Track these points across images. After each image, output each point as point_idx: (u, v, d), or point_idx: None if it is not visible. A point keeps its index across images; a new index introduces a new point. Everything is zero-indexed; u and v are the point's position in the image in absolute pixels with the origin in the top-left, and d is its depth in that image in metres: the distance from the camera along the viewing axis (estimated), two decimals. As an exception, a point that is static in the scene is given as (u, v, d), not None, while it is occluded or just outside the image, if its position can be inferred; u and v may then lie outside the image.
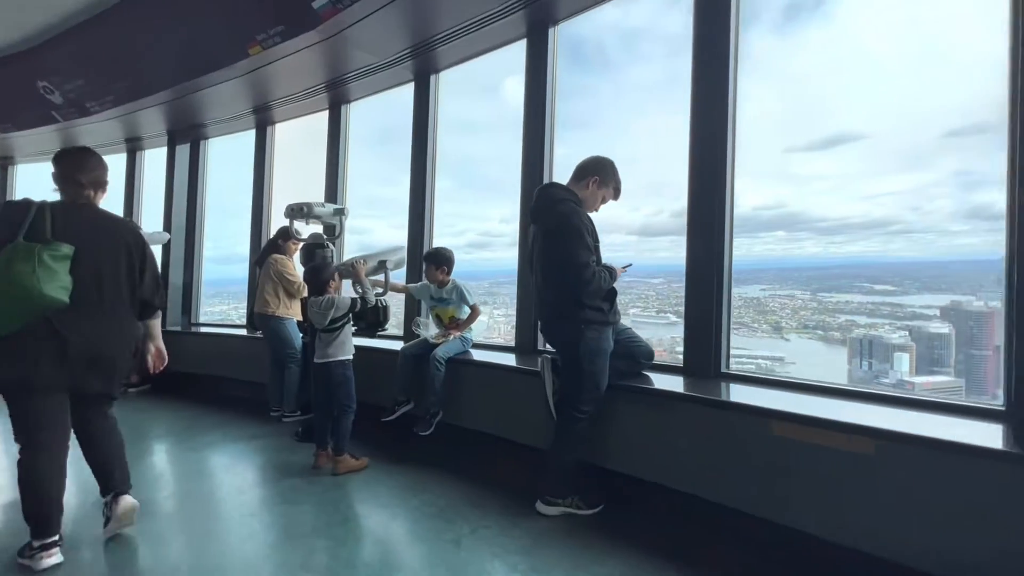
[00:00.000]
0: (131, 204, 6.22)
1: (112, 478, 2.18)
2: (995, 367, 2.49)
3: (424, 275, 3.47)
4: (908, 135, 2.16)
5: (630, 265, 2.45)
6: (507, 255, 2.88)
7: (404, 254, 3.37)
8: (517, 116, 3.45)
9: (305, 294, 4.07)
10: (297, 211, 3.44)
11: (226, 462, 3.23)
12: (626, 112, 3.62)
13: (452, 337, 3.27)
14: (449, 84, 4.05)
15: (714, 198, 2.56)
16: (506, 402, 3.01)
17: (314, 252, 3.58)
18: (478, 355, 3.35)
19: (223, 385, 4.85)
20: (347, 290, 3.22)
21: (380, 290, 3.30)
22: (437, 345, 3.28)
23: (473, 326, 3.42)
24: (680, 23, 2.75)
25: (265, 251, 4.18)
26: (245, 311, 5.25)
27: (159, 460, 3.33)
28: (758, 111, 2.52)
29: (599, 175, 2.40)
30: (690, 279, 2.65)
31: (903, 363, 2.68)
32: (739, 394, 2.38)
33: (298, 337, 4.10)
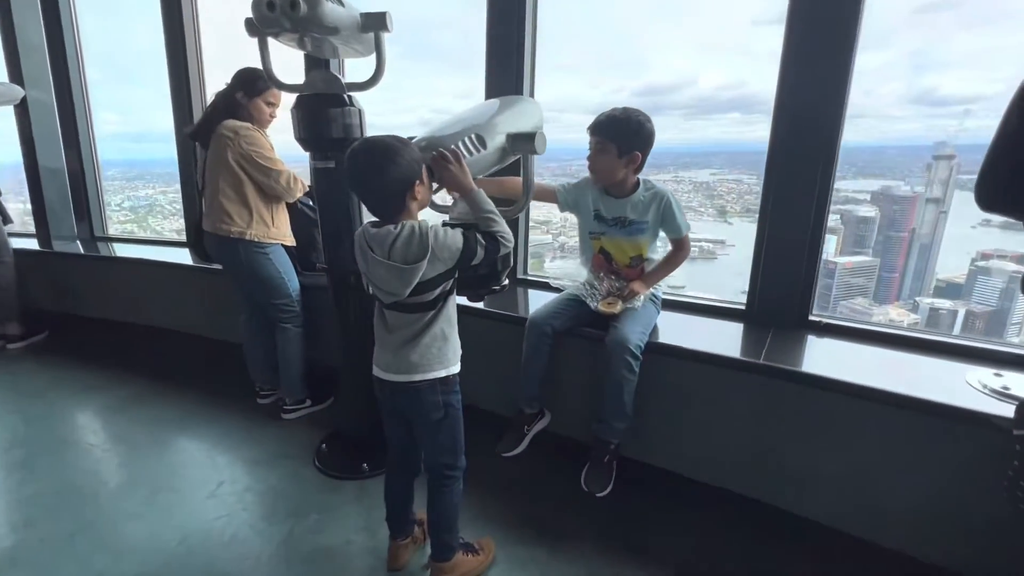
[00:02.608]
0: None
1: None
2: (907, 247, 3.28)
3: (590, 167, 1.67)
4: (877, 7, 1.55)
5: None
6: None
7: (541, 115, 1.52)
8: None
9: (301, 193, 2.20)
10: (282, 11, 1.44)
11: (196, 563, 1.63)
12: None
13: (639, 302, 1.61)
14: None
15: None
16: (760, 434, 1.50)
17: (326, 115, 1.68)
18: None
19: (168, 340, 3.07)
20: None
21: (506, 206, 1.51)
22: (606, 315, 1.64)
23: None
24: None
25: (210, 117, 2.15)
26: (184, 222, 3.27)
27: (39, 536, 1.69)
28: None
29: None
30: None
31: (830, 244, 2.68)
32: None
33: (292, 276, 2.31)
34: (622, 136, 1.56)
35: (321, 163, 1.77)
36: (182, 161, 3.12)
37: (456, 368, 1.33)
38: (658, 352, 1.61)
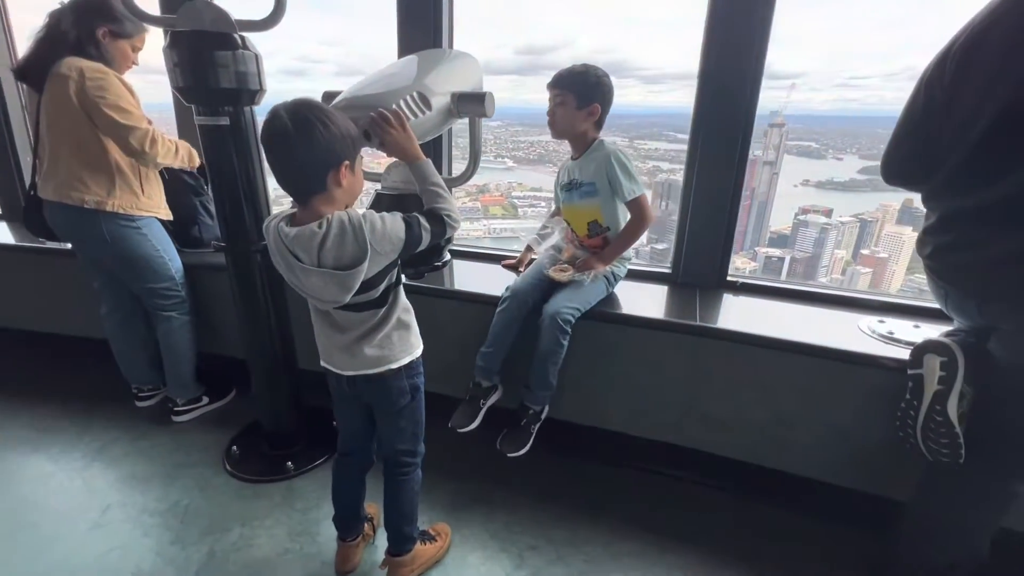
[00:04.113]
0: None
1: None
2: (749, 204, 3.86)
3: (549, 123, 1.60)
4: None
5: None
6: (332, 84, 1.59)
7: (481, 72, 1.38)
8: None
9: (168, 158, 1.80)
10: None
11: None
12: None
13: (590, 276, 1.61)
14: None
15: None
16: (693, 388, 1.62)
17: (213, 60, 1.37)
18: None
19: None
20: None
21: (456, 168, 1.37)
22: (556, 284, 1.62)
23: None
24: None
25: (46, 51, 1.62)
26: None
27: None
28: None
29: None
30: None
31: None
32: None
33: (173, 254, 1.94)
34: (580, 87, 1.51)
35: (209, 119, 1.46)
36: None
37: (419, 350, 1.23)
38: (599, 319, 1.63)
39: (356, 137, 1.05)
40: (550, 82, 1.55)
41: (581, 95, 1.51)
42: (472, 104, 1.24)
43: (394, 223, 1.04)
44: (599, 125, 1.58)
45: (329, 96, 1.35)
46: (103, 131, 1.63)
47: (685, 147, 1.76)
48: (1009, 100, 0.97)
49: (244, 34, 1.43)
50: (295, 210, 1.07)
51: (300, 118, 0.96)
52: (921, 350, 1.21)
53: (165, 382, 2.14)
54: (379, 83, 1.25)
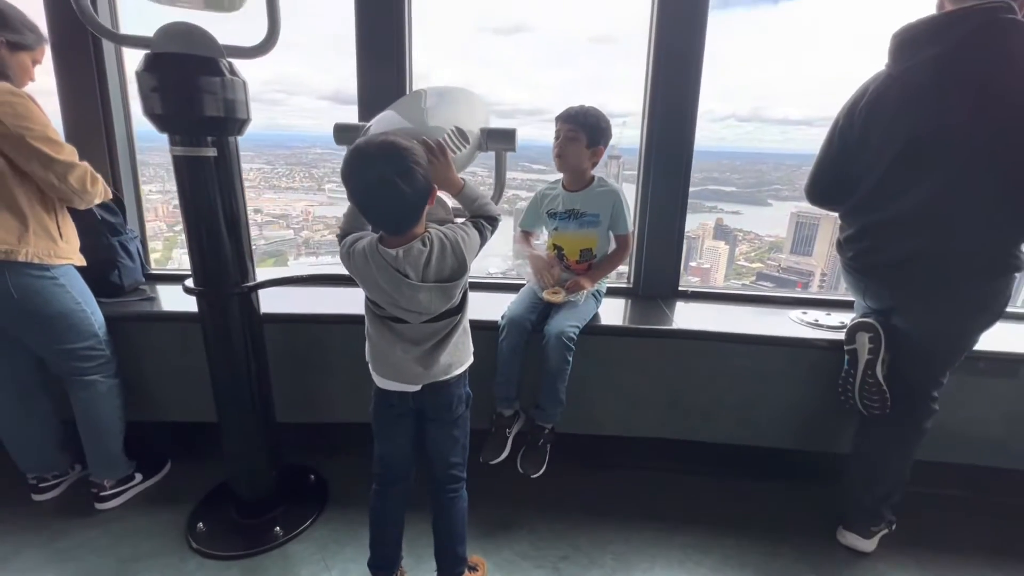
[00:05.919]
0: None
1: None
2: None
3: (557, 154, 1.71)
4: (565, 34, 2.67)
5: None
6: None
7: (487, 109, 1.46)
8: None
9: (101, 198, 1.55)
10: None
11: None
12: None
13: (582, 295, 1.74)
14: None
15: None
16: (673, 385, 1.85)
17: (199, 85, 1.25)
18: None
19: None
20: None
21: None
22: (550, 305, 1.73)
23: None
24: None
25: None
26: None
27: None
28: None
29: None
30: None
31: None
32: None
33: (95, 307, 1.63)
34: (593, 128, 1.64)
35: (190, 150, 1.31)
36: None
37: (472, 358, 1.28)
38: (586, 333, 1.77)
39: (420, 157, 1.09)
40: (564, 116, 1.66)
41: (592, 137, 1.66)
42: (501, 140, 1.32)
43: (472, 232, 1.15)
44: (595, 165, 1.75)
45: (346, 128, 1.32)
46: (27, 167, 1.35)
47: (538, 176, 1.97)
48: (900, 147, 1.36)
49: (231, 60, 1.32)
50: (378, 233, 1.11)
51: (403, 166, 1.00)
52: (853, 330, 1.57)
53: (74, 465, 1.77)
54: (408, 119, 1.25)
